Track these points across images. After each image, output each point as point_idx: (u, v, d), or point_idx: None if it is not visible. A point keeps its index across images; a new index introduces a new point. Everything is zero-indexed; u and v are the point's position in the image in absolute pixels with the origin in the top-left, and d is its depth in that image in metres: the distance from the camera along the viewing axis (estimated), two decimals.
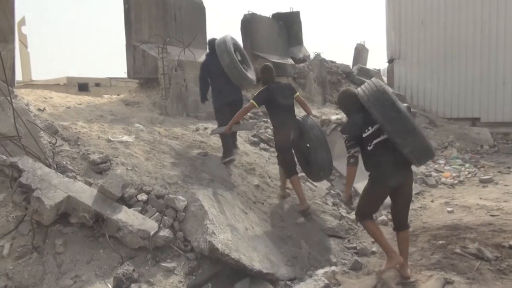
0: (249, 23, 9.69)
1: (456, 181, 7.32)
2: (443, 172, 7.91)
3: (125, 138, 5.08)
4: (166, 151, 5.04)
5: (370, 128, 3.51)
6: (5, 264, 3.15)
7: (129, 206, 3.82)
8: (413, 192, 6.60)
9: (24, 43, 26.44)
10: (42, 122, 4.64)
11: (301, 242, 4.34)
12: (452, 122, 12.12)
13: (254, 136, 6.87)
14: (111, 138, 4.96)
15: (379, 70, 15.77)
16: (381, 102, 3.41)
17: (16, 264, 3.14)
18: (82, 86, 16.36)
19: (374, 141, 3.49)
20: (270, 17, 10.91)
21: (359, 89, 3.70)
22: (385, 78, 14.57)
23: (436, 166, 8.54)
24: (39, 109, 5.23)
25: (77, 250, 3.42)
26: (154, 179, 4.25)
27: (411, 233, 4.68)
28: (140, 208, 3.82)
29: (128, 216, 3.60)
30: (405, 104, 4.16)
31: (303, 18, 11.59)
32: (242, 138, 6.71)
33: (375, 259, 4.16)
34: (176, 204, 3.84)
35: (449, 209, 5.54)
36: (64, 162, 4.10)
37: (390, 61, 14.34)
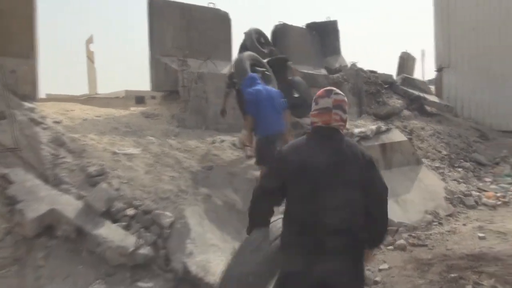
0: (280, 33, 9.52)
1: (499, 202, 6.53)
2: (486, 191, 7.11)
3: (131, 150, 5.08)
4: (170, 164, 4.96)
5: None
6: None
7: (116, 221, 3.75)
8: (445, 213, 6.05)
9: (91, 59, 28.33)
10: (52, 134, 4.75)
11: None
12: (507, 135, 11.02)
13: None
14: (117, 151, 4.97)
15: (429, 80, 14.87)
16: None
17: None
18: (139, 99, 17.07)
19: None
20: (304, 27, 10.65)
21: None
22: (433, 88, 13.69)
23: (481, 184, 7.74)
24: (55, 122, 5.38)
25: (58, 264, 3.38)
26: (147, 193, 4.16)
27: (427, 261, 4.19)
28: (125, 223, 3.73)
29: (109, 232, 3.52)
30: None
31: (342, 27, 11.14)
32: None
33: None
34: (161, 220, 3.72)
35: (481, 234, 4.90)
36: (62, 174, 4.14)
37: (439, 70, 13.48)
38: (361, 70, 10.92)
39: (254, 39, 7.95)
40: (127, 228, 3.68)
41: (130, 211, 3.83)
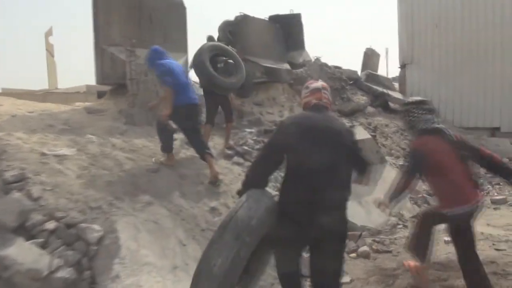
0: (241, 25, 8.99)
1: None
2: None
3: (64, 151, 4.44)
4: (108, 167, 4.36)
5: None
6: None
7: (31, 237, 3.15)
8: (410, 215, 5.79)
9: (51, 53, 26.75)
10: None
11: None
12: (469, 132, 10.98)
13: (229, 148, 6.13)
14: (46, 152, 4.33)
15: (393, 78, 14.80)
16: None
17: None
18: (101, 94, 16.11)
19: None
20: (266, 19, 10.18)
21: None
22: (397, 85, 13.62)
23: None
24: None
25: None
26: (74, 202, 3.56)
27: (392, 271, 3.84)
28: (43, 240, 3.13)
29: (20, 252, 2.92)
30: None
31: (307, 21, 10.75)
32: (216, 150, 5.99)
33: None
34: (87, 235, 3.15)
35: (447, 238, 4.61)
36: None
37: (402, 66, 13.37)
38: (325, 65, 10.62)
39: (226, 31, 8.35)
40: (44, 245, 3.09)
41: (50, 225, 3.23)
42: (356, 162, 2.59)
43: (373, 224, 5.09)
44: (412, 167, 2.90)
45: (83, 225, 3.21)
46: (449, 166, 2.84)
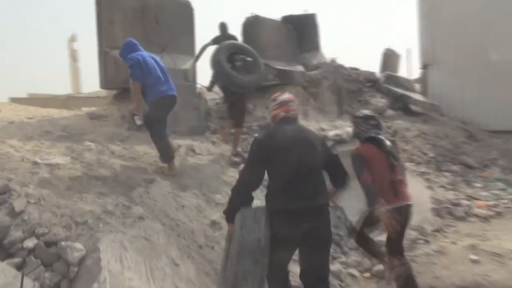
0: (252, 26, 8.68)
1: (492, 213, 5.81)
2: (477, 199, 6.39)
3: (57, 159, 4.20)
4: (102, 177, 4.07)
5: None
6: None
7: (10, 256, 2.89)
8: (432, 228, 5.32)
9: (74, 58, 27.21)
10: None
11: None
12: (496, 136, 10.36)
13: (237, 155, 5.79)
14: (38, 161, 4.09)
15: (416, 79, 14.18)
16: None
17: None
18: None
19: None
20: (279, 20, 9.83)
21: None
22: (418, 87, 13.04)
23: (471, 190, 7.02)
24: None
25: None
26: (59, 216, 3.28)
27: None
28: (20, 259, 2.86)
29: None
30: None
31: (322, 22, 10.37)
32: (222, 157, 5.68)
33: None
34: (68, 255, 2.85)
35: (474, 257, 4.14)
36: None
37: (424, 67, 12.81)
38: (341, 66, 10.17)
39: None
40: (21, 266, 2.82)
41: (29, 243, 2.96)
42: (335, 171, 2.82)
43: None
44: (359, 168, 3.17)
45: (64, 243, 2.92)
46: (377, 170, 3.21)
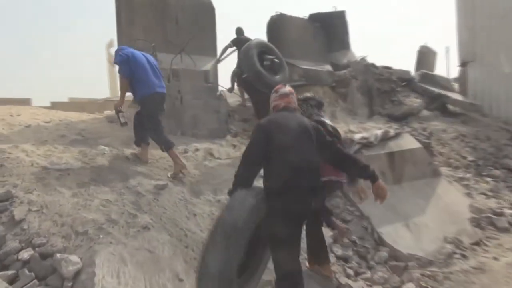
0: (277, 25, 8.39)
1: None
2: None
3: (68, 164, 4.07)
4: (111, 183, 3.89)
5: None
6: None
7: (4, 268, 2.73)
8: (470, 241, 4.81)
9: (111, 63, 28.08)
10: None
11: None
12: None
13: None
14: (48, 165, 3.97)
15: (455, 78, 13.39)
16: None
17: None
18: None
19: None
20: (306, 18, 9.48)
21: None
22: (456, 86, 12.28)
23: None
24: None
25: None
26: (59, 225, 3.11)
27: None
28: (14, 271, 2.70)
29: None
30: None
31: (352, 19, 9.91)
32: (231, 160, 5.43)
33: None
34: (63, 268, 2.66)
35: None
36: None
37: (463, 64, 12.04)
38: (371, 65, 9.68)
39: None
40: (14, 279, 2.65)
41: (25, 254, 2.79)
42: (334, 156, 2.83)
43: (423, 252, 4.20)
44: None
45: (59, 256, 2.73)
46: None
